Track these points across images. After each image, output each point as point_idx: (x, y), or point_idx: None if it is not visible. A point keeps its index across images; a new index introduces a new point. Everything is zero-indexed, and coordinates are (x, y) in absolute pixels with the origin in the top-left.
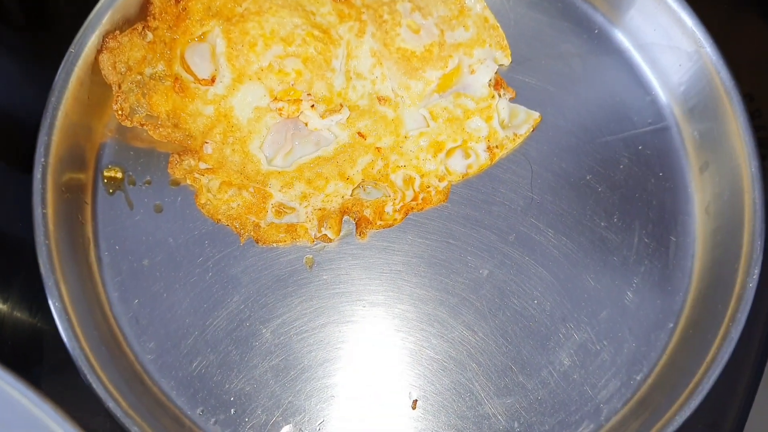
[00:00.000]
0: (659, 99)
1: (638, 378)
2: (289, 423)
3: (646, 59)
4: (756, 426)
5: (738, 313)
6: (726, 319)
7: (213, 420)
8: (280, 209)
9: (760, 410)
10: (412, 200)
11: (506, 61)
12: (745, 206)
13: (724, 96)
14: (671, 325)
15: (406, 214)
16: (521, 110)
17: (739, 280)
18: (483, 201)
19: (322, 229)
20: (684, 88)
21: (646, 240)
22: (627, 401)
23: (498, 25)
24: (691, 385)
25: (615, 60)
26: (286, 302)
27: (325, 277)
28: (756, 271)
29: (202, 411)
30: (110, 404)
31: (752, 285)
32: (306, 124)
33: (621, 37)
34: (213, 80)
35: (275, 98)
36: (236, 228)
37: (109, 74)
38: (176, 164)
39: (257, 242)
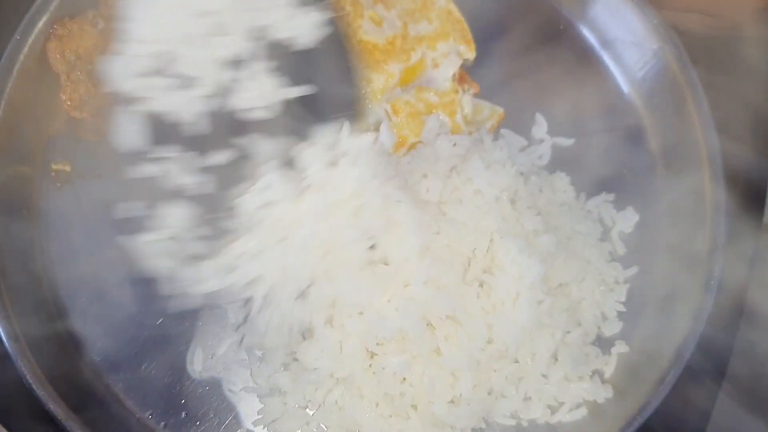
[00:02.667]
0: (624, 95)
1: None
2: (242, 427)
3: (610, 55)
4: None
5: (700, 312)
6: (688, 318)
7: (163, 423)
8: None
9: (722, 409)
10: None
11: (470, 55)
12: (707, 204)
13: (687, 93)
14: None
15: None
16: (485, 105)
17: (702, 279)
18: None
19: None
20: (648, 85)
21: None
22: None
23: (462, 18)
24: (648, 390)
25: (580, 56)
26: None
27: None
28: (717, 269)
29: (152, 414)
30: (51, 406)
31: (714, 283)
32: None
33: (586, 33)
34: None
35: None
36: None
37: (58, 63)
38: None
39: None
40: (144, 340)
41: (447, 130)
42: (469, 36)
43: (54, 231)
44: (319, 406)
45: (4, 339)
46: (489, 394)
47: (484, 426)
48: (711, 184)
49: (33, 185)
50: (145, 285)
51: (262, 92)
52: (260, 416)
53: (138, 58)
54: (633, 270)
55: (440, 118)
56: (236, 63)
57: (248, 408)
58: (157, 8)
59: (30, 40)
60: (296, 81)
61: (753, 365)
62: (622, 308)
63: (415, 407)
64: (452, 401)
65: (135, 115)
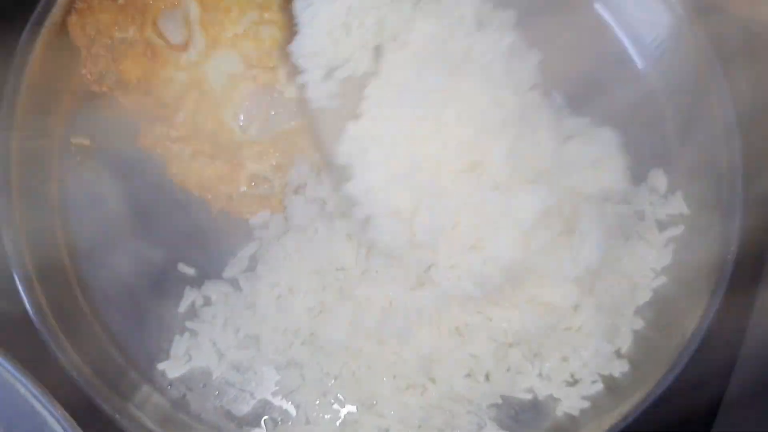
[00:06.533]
0: (640, 75)
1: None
2: (255, 398)
3: (627, 34)
4: (733, 400)
5: (717, 288)
6: (705, 294)
7: (182, 393)
8: (254, 180)
9: (737, 386)
10: None
11: None
12: (724, 185)
13: (704, 70)
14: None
15: None
16: None
17: (718, 256)
18: None
19: None
20: (665, 63)
21: None
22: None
23: None
24: (668, 360)
25: (596, 35)
26: None
27: None
28: (734, 245)
29: (171, 384)
30: (74, 373)
31: (730, 257)
32: (282, 93)
33: (602, 11)
34: (186, 46)
35: (250, 65)
36: (208, 199)
37: (78, 37)
38: (147, 132)
39: (230, 213)
40: (166, 311)
41: None
42: None
43: (72, 204)
44: (336, 377)
45: (29, 308)
46: (507, 370)
47: (500, 401)
48: (728, 166)
49: (53, 159)
50: (166, 257)
51: None
52: (278, 387)
53: None
54: None
55: None
56: None
57: (266, 378)
58: None
59: (51, 14)
60: None
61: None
62: None
63: (433, 380)
64: (470, 375)
65: None
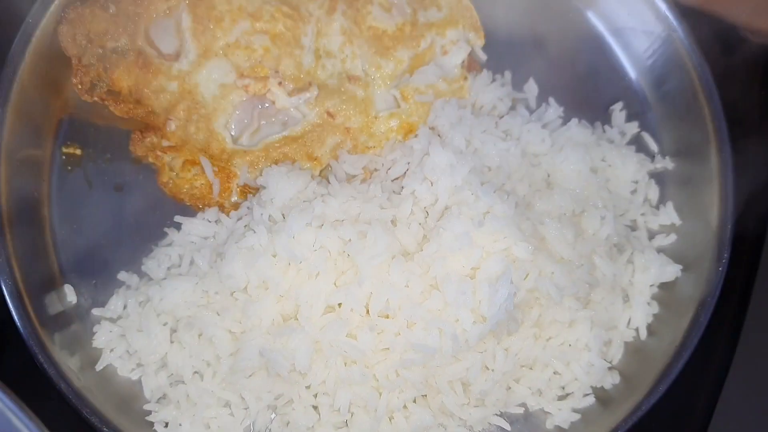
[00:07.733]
0: (633, 83)
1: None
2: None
3: (620, 43)
4: (725, 412)
5: (708, 297)
6: (696, 304)
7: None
8: (245, 189)
9: (729, 398)
10: None
11: (479, 42)
12: (716, 190)
13: (696, 80)
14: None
15: None
16: None
17: (709, 265)
18: None
19: None
20: (657, 72)
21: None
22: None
23: (471, 5)
24: (658, 372)
25: (589, 44)
26: None
27: None
28: (725, 258)
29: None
30: (62, 386)
31: (722, 269)
32: (273, 103)
33: (595, 21)
34: (178, 56)
35: (242, 75)
36: (199, 208)
37: (69, 47)
38: (138, 141)
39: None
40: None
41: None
42: (478, 23)
43: (63, 213)
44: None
45: (17, 319)
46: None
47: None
48: (721, 172)
49: (43, 168)
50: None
51: None
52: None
53: None
54: None
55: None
56: None
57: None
58: None
59: (42, 24)
60: None
61: (757, 355)
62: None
63: (424, 397)
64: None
65: None
